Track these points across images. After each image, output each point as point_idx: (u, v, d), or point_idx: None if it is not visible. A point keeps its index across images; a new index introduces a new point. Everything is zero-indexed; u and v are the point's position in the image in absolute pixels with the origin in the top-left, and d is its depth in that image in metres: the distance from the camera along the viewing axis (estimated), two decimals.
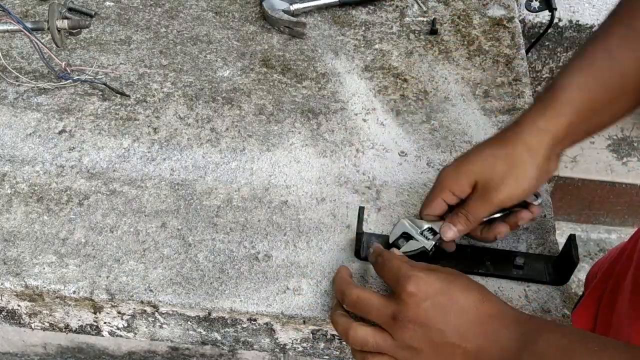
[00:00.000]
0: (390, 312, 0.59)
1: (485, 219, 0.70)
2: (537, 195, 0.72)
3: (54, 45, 0.91)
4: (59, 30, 0.88)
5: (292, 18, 1.00)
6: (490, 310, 0.59)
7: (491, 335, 0.57)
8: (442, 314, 0.58)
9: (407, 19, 1.04)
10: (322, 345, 0.72)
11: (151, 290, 0.70)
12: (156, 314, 0.70)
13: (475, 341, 0.57)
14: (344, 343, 0.71)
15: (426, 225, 0.70)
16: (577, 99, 0.66)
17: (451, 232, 0.68)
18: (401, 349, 0.59)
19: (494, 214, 0.69)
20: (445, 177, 0.69)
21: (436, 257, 0.71)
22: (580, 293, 1.03)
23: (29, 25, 0.87)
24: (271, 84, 0.93)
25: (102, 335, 0.75)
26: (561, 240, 0.71)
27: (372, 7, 1.05)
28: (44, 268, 0.71)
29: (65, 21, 0.88)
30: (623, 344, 0.54)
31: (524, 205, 0.71)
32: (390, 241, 0.71)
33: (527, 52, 1.03)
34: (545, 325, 0.57)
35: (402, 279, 0.60)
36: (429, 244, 0.69)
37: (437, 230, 0.70)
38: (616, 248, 0.96)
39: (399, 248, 0.70)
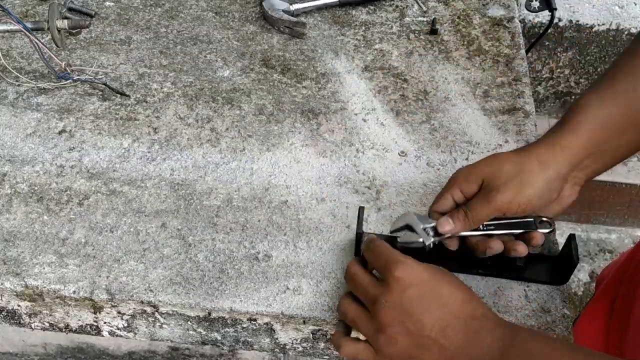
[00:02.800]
0: (374, 293, 0.60)
1: (485, 231, 0.69)
2: (549, 224, 0.69)
3: (54, 45, 0.91)
4: (59, 30, 0.88)
5: (292, 18, 1.00)
6: (473, 311, 0.59)
7: (472, 336, 0.57)
8: (425, 305, 0.58)
9: (407, 19, 1.04)
10: (322, 345, 0.72)
11: (151, 290, 0.70)
12: (156, 314, 0.70)
13: (454, 339, 0.57)
14: None
15: (431, 224, 0.70)
16: (595, 117, 0.65)
17: (447, 226, 0.68)
18: (377, 333, 0.59)
19: (494, 221, 0.69)
20: (457, 175, 0.69)
21: (436, 256, 0.71)
22: (580, 293, 1.02)
23: (29, 25, 0.87)
24: (271, 84, 0.93)
25: (102, 335, 0.75)
26: (561, 240, 0.71)
27: (372, 7, 1.05)
28: (44, 268, 0.71)
29: (65, 21, 0.88)
30: (602, 354, 0.55)
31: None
32: (391, 230, 0.70)
33: (527, 52, 1.03)
34: (526, 332, 0.57)
35: (390, 263, 0.60)
36: (428, 240, 0.69)
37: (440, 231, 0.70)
38: (623, 253, 0.95)
39: (396, 239, 0.69)
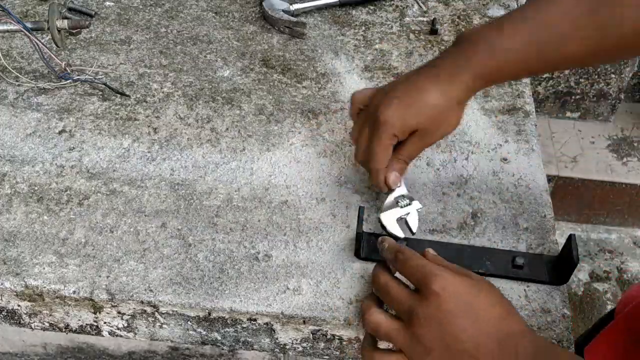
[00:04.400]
0: (411, 304, 0.59)
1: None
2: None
3: (54, 45, 0.91)
4: (59, 30, 0.88)
5: (292, 18, 1.00)
6: (510, 328, 0.58)
7: (506, 353, 0.57)
8: (462, 320, 0.57)
9: (407, 19, 1.04)
10: (322, 345, 0.72)
11: (151, 290, 0.70)
12: (156, 314, 0.70)
13: (488, 356, 0.57)
14: (344, 343, 0.71)
15: (393, 197, 0.73)
16: (514, 53, 0.67)
17: (393, 176, 0.72)
18: (412, 345, 0.59)
19: None
20: (393, 123, 0.70)
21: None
22: (580, 293, 1.01)
23: (29, 25, 0.87)
24: (271, 84, 0.93)
25: (102, 335, 0.75)
26: (561, 240, 0.71)
27: (372, 7, 1.05)
28: (44, 268, 0.71)
29: (65, 21, 0.88)
30: None
31: None
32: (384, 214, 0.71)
33: None
34: (561, 351, 0.58)
35: (428, 276, 0.59)
36: (402, 233, 0.71)
37: (405, 194, 0.73)
38: None
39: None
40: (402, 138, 0.71)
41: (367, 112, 0.73)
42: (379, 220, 0.71)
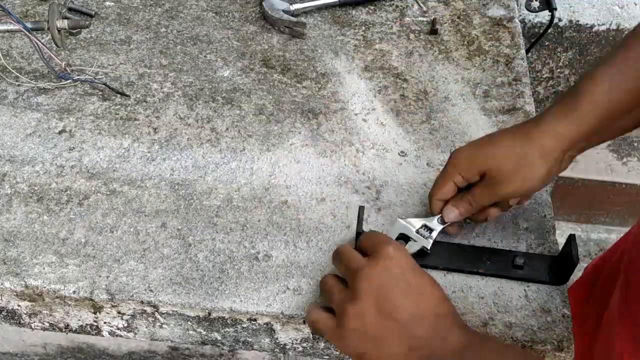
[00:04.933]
0: (359, 263, 0.60)
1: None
2: None
3: (54, 45, 0.91)
4: (59, 30, 0.88)
5: (292, 18, 1.00)
6: (447, 310, 0.59)
7: (441, 330, 0.57)
8: (404, 290, 0.58)
9: (407, 19, 1.04)
10: (322, 345, 0.72)
11: (151, 290, 0.70)
12: (156, 314, 0.70)
13: (421, 330, 0.57)
14: None
15: (420, 223, 0.71)
16: (601, 106, 0.65)
17: (453, 214, 0.70)
18: (347, 303, 0.58)
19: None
20: (458, 161, 0.69)
21: (435, 256, 0.71)
22: None
23: (29, 25, 0.87)
24: (271, 84, 0.93)
25: (102, 335, 0.75)
26: (561, 240, 0.71)
27: (372, 7, 1.05)
28: (44, 268, 0.71)
29: (65, 21, 0.88)
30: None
31: None
32: None
33: (527, 52, 1.03)
34: (488, 337, 0.62)
35: (384, 242, 0.60)
36: (428, 243, 0.70)
37: (432, 227, 0.71)
38: (613, 246, 0.96)
39: None
40: (471, 179, 0.69)
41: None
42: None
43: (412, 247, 0.70)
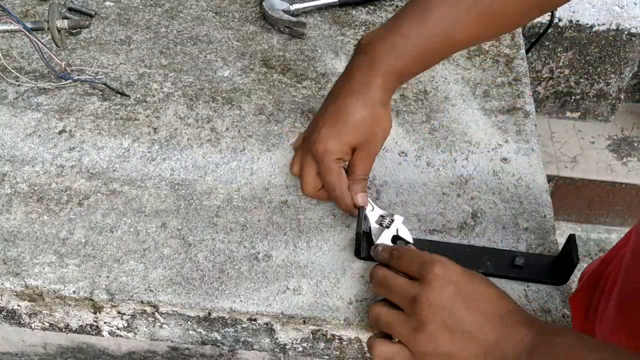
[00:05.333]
0: (412, 292, 0.60)
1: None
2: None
3: (54, 45, 0.91)
4: (59, 30, 0.88)
5: (292, 18, 1.00)
6: (508, 307, 0.60)
7: (508, 330, 0.58)
8: (464, 302, 0.59)
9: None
10: (322, 345, 0.72)
11: (151, 290, 0.70)
12: (156, 314, 0.70)
13: (491, 334, 0.58)
14: (344, 343, 0.71)
15: (373, 221, 0.73)
16: (409, 57, 0.72)
17: (360, 197, 0.73)
18: (415, 332, 0.60)
19: None
20: (334, 150, 0.72)
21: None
22: None
23: (29, 25, 0.87)
24: (271, 84, 0.93)
25: (102, 335, 0.75)
26: (561, 240, 0.71)
27: (372, 7, 1.05)
28: (44, 268, 0.71)
29: (65, 21, 0.88)
30: (632, 353, 0.55)
31: None
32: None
33: (527, 52, 1.03)
34: (560, 328, 0.59)
35: (428, 262, 0.61)
36: (399, 220, 0.72)
37: (383, 214, 0.73)
38: (613, 248, 0.96)
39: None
40: (347, 159, 0.73)
41: (304, 147, 0.75)
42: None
43: (390, 233, 0.72)
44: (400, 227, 0.72)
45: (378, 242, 0.71)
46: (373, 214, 0.74)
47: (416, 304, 0.60)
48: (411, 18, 0.71)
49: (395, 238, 0.71)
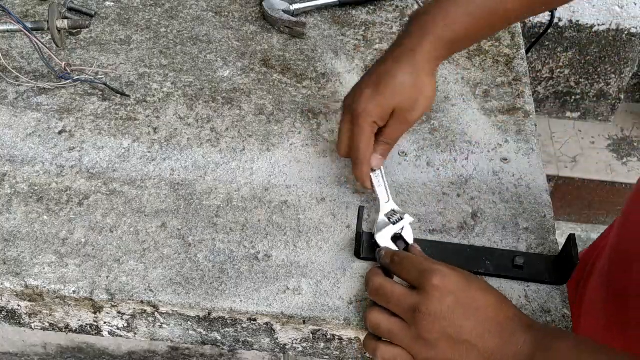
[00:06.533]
0: (411, 302, 0.60)
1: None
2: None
3: (54, 45, 0.91)
4: (59, 30, 0.88)
5: (292, 18, 1.00)
6: (507, 313, 0.60)
7: (508, 337, 0.58)
8: (464, 311, 0.59)
9: (407, 19, 1.03)
10: (322, 345, 0.72)
11: (151, 290, 0.70)
12: (156, 314, 0.70)
13: (491, 341, 0.58)
14: (344, 343, 0.71)
15: (384, 213, 0.73)
16: (459, 26, 0.72)
17: (377, 160, 0.75)
18: (416, 341, 0.60)
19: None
20: (370, 111, 0.72)
21: (435, 257, 0.71)
22: None
23: (29, 25, 0.87)
24: (271, 84, 0.93)
25: (102, 335, 0.75)
26: (561, 240, 0.71)
27: (372, 7, 1.05)
28: (44, 268, 0.71)
29: (65, 21, 0.88)
30: (630, 356, 0.55)
31: None
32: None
33: (527, 52, 1.03)
34: (559, 333, 0.59)
35: (426, 272, 0.61)
36: (408, 220, 0.72)
37: (396, 210, 0.73)
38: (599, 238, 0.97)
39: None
40: (383, 124, 0.74)
41: (346, 107, 0.75)
42: (374, 241, 0.71)
43: (389, 232, 0.71)
44: (406, 226, 0.72)
45: (378, 236, 0.71)
46: (387, 205, 0.74)
47: (416, 314, 0.60)
48: None
49: (396, 237, 0.71)
